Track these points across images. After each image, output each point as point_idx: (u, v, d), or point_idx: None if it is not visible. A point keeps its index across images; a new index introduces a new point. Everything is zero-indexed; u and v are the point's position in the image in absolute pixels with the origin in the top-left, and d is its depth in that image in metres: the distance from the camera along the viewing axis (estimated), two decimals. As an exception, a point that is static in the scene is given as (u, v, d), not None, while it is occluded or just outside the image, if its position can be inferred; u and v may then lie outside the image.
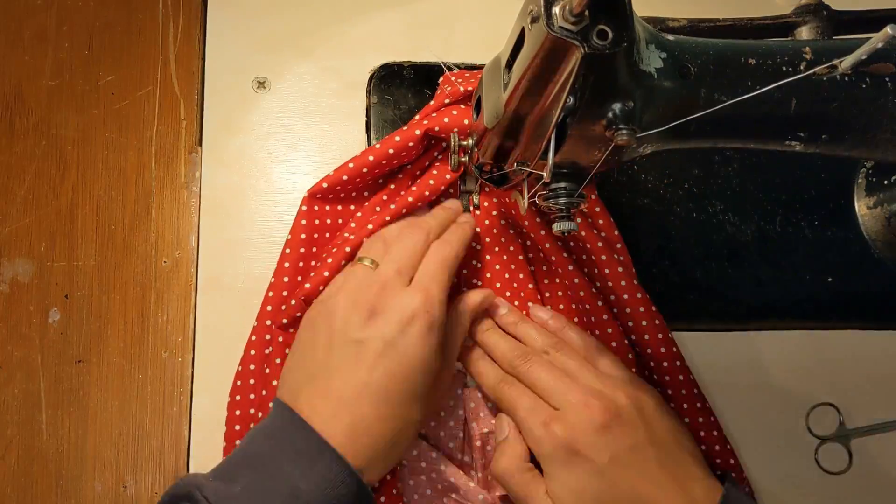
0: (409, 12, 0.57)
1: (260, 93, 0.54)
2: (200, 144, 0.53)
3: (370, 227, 0.48)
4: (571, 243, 0.51)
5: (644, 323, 0.48)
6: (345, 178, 0.48)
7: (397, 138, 0.48)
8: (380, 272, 0.44)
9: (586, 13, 0.31)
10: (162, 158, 0.52)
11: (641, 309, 0.48)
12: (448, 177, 0.50)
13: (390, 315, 0.42)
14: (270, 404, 0.43)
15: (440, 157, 0.51)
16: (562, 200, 0.40)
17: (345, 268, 0.47)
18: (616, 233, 0.51)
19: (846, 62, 0.35)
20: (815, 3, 0.44)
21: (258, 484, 0.37)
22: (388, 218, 0.48)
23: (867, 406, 0.53)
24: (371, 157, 0.48)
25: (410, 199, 0.49)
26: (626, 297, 0.48)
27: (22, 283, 0.49)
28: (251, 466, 0.38)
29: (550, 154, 0.37)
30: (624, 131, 0.34)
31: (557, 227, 0.41)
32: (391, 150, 0.48)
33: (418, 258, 0.45)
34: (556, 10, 0.31)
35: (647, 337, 0.48)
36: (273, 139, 0.54)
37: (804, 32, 0.44)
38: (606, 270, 0.49)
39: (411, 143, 0.48)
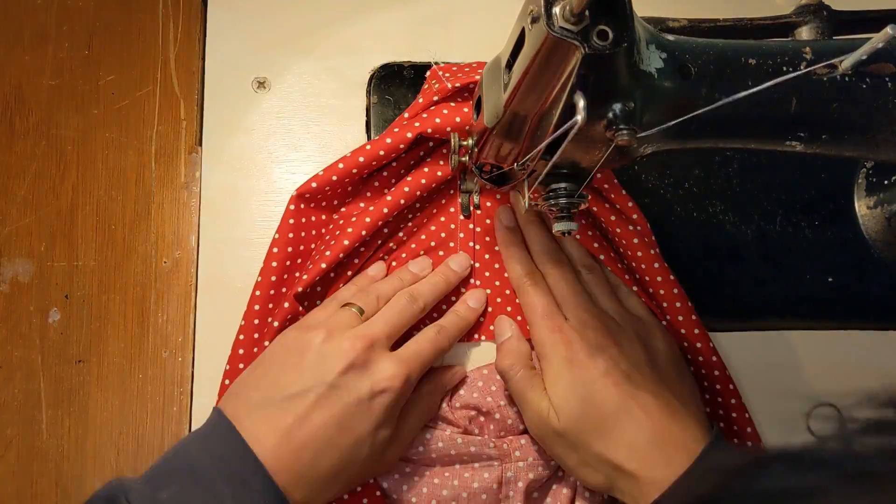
0: (409, 12, 0.57)
1: (260, 93, 0.54)
2: (200, 144, 0.53)
3: (368, 220, 0.47)
4: (584, 220, 0.51)
5: (662, 292, 0.49)
6: (334, 178, 0.48)
7: (388, 140, 0.48)
8: (370, 328, 0.44)
9: (586, 13, 0.31)
10: (162, 158, 0.52)
11: (659, 279, 0.49)
12: (440, 174, 0.50)
13: (366, 376, 0.42)
14: (213, 410, 0.43)
15: (428, 157, 0.51)
16: (562, 201, 0.40)
17: (329, 304, 0.47)
18: (630, 204, 0.51)
19: (846, 62, 0.35)
20: (815, 4, 0.44)
21: (185, 496, 0.37)
22: (385, 210, 0.48)
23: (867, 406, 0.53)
24: (361, 159, 0.48)
25: (407, 189, 0.49)
26: (643, 266, 0.49)
27: (22, 283, 0.49)
28: (182, 476, 0.38)
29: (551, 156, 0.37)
30: (624, 131, 0.33)
31: (558, 227, 0.41)
32: (382, 152, 0.48)
33: (406, 327, 0.46)
34: (556, 10, 0.31)
35: (665, 304, 0.49)
36: (273, 139, 0.54)
37: (804, 32, 0.44)
38: (624, 242, 0.49)
39: (402, 146, 0.48)
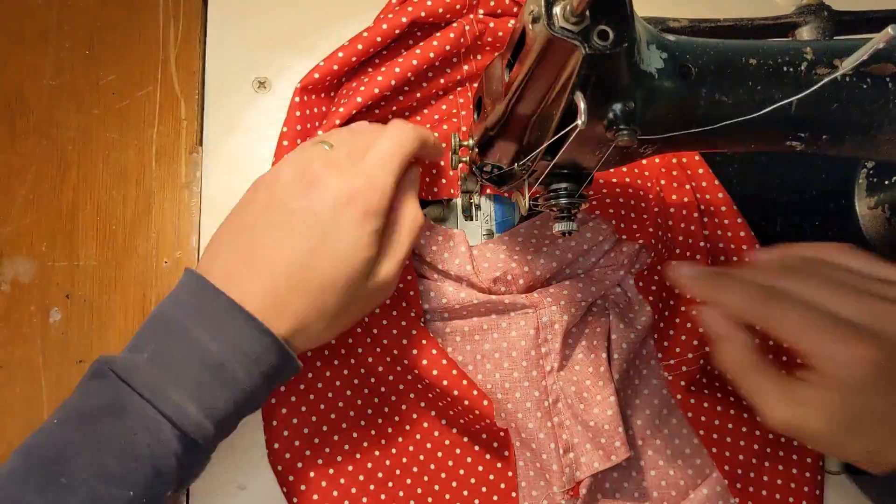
0: (409, 12, 0.57)
1: (260, 93, 0.54)
2: (201, 144, 0.53)
3: (380, 78, 0.48)
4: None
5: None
6: (335, 67, 0.49)
7: (384, 25, 0.49)
8: (332, 152, 0.42)
9: (587, 13, 0.31)
10: (163, 158, 0.53)
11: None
12: (448, 48, 0.50)
13: (326, 192, 0.39)
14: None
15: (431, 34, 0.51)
16: (562, 201, 0.41)
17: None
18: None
19: (847, 62, 0.35)
20: (815, 4, 0.44)
21: (164, 349, 0.37)
22: (397, 70, 0.48)
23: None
24: (360, 46, 0.49)
25: (415, 61, 0.49)
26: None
27: (23, 283, 0.49)
28: (157, 334, 0.37)
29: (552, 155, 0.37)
30: (625, 132, 0.34)
31: (558, 227, 0.41)
32: (379, 38, 0.49)
33: None
34: (556, 10, 0.31)
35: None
36: (273, 139, 0.53)
37: (805, 33, 0.44)
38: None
39: (398, 31, 0.49)
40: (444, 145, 0.49)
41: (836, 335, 0.35)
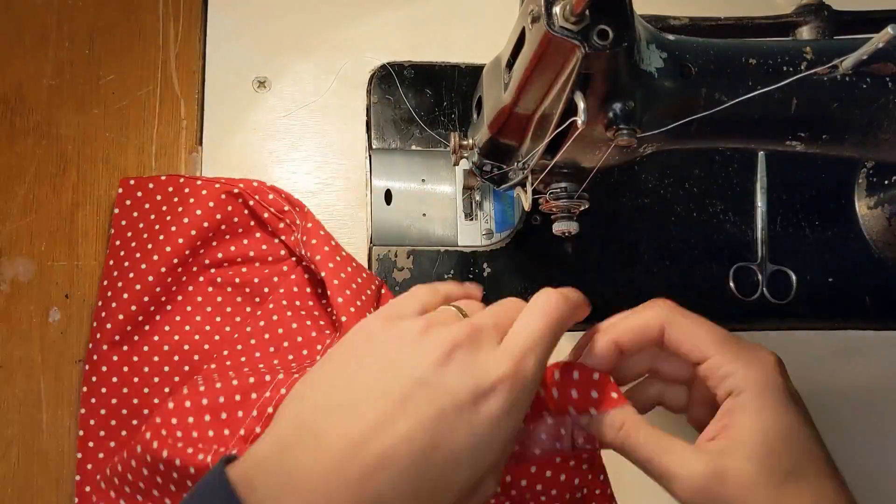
0: (409, 12, 0.57)
1: (260, 93, 0.54)
2: (201, 144, 0.53)
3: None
4: None
5: None
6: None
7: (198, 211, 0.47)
8: (475, 318, 0.34)
9: (587, 13, 0.31)
10: (162, 158, 0.52)
11: None
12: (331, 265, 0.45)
13: (467, 373, 0.30)
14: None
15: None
16: (562, 201, 0.41)
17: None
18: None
19: (847, 62, 0.35)
20: (815, 3, 0.44)
21: None
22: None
23: (867, 406, 0.53)
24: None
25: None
26: None
27: (22, 283, 0.49)
28: None
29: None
30: (625, 131, 0.34)
31: (558, 226, 0.41)
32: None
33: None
34: (556, 9, 0.31)
35: None
36: (273, 139, 0.54)
37: (805, 32, 0.44)
38: None
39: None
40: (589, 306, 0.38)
41: (742, 343, 0.35)
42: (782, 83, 0.35)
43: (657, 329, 0.36)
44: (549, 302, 0.34)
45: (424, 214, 0.53)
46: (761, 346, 0.36)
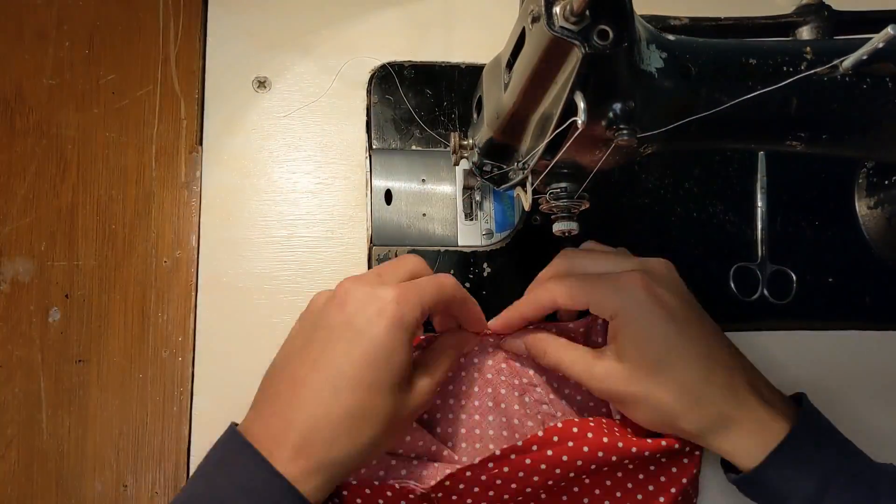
0: (409, 12, 0.57)
1: (260, 92, 0.54)
2: (201, 144, 0.53)
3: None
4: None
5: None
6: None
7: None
8: (362, 275, 0.43)
9: (587, 13, 0.31)
10: (162, 158, 0.52)
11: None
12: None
13: (358, 303, 0.40)
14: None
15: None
16: (562, 201, 0.41)
17: None
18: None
19: (847, 62, 0.35)
20: (815, 3, 0.44)
21: None
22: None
23: (867, 406, 0.53)
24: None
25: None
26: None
27: (22, 283, 0.49)
28: None
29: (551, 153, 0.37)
30: (625, 131, 0.34)
31: (558, 226, 0.41)
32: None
33: (424, 305, 0.42)
34: (556, 9, 0.31)
35: None
36: (273, 139, 0.54)
37: (805, 32, 0.44)
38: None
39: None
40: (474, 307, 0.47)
41: (608, 278, 0.44)
42: (782, 83, 0.35)
43: (552, 306, 0.47)
44: (440, 279, 0.44)
45: (424, 214, 0.53)
46: (631, 270, 0.45)
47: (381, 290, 0.40)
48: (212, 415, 0.48)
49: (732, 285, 0.53)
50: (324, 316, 0.41)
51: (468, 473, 0.43)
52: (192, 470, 0.47)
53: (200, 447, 0.48)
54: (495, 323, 0.48)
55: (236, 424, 0.40)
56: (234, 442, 0.39)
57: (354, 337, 0.39)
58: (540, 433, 0.44)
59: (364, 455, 0.39)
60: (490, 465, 0.43)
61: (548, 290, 0.46)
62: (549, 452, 0.43)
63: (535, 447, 0.44)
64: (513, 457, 0.43)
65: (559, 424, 0.45)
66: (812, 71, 0.36)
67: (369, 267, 0.51)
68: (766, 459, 0.42)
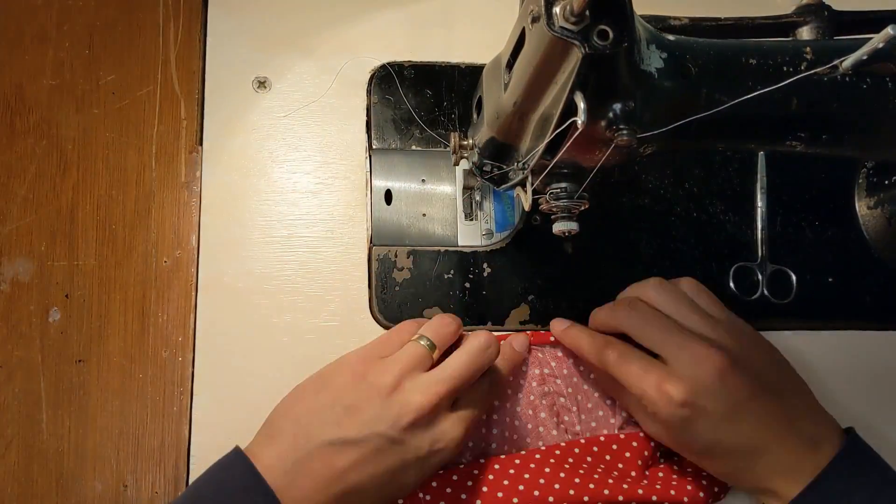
0: (409, 12, 0.57)
1: (260, 92, 0.54)
2: (201, 144, 0.53)
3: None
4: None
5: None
6: None
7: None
8: (441, 384, 0.42)
9: (587, 13, 0.31)
10: (162, 158, 0.52)
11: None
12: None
13: (429, 435, 0.41)
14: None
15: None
16: (563, 201, 0.41)
17: (400, 331, 0.46)
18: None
19: (847, 62, 0.35)
20: (815, 4, 0.44)
21: None
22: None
23: (867, 406, 0.53)
24: None
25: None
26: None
27: (22, 283, 0.49)
28: None
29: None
30: (625, 131, 0.34)
31: (558, 227, 0.41)
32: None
33: (473, 379, 0.44)
34: (556, 10, 0.31)
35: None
36: (273, 139, 0.54)
37: (805, 32, 0.44)
38: None
39: None
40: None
41: (688, 338, 0.43)
42: (782, 84, 0.35)
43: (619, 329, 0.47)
44: (487, 391, 0.46)
45: (424, 214, 0.53)
46: (709, 346, 0.43)
47: (451, 428, 0.42)
48: (212, 415, 0.48)
49: (732, 285, 0.53)
50: (390, 422, 0.41)
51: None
52: (192, 471, 0.47)
53: (200, 447, 0.48)
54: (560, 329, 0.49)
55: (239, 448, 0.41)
56: (242, 472, 0.39)
57: (408, 464, 0.41)
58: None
59: None
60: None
61: (623, 321, 0.46)
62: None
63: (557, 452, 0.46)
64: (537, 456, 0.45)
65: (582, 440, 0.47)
66: (812, 71, 0.36)
67: (369, 266, 0.51)
68: (804, 489, 0.42)
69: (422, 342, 0.44)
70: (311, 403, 0.42)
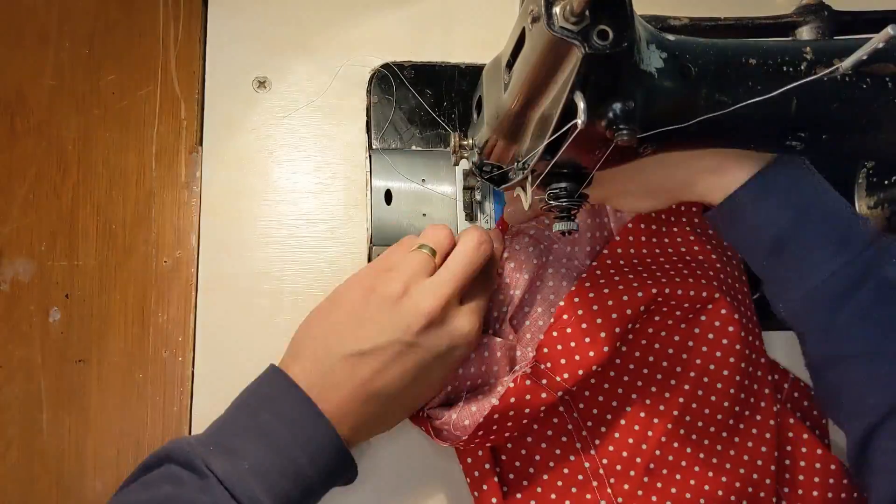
0: (409, 12, 0.57)
1: (260, 93, 0.54)
2: (201, 144, 0.53)
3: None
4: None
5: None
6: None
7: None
8: (445, 285, 0.44)
9: (587, 13, 0.31)
10: (162, 158, 0.53)
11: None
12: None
13: (444, 333, 0.43)
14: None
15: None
16: (562, 201, 0.40)
17: (399, 245, 0.47)
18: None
19: (847, 62, 0.35)
20: (815, 3, 0.44)
21: (266, 464, 0.39)
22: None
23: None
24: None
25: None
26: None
27: (22, 283, 0.49)
28: (258, 443, 0.40)
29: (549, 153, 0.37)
30: (624, 131, 0.33)
31: (558, 227, 0.41)
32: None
33: (475, 274, 0.46)
34: (556, 10, 0.31)
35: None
36: (273, 139, 0.54)
37: (805, 32, 0.44)
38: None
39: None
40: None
41: None
42: (785, 88, 0.35)
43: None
44: (488, 282, 0.48)
45: (424, 214, 0.53)
46: None
47: (465, 323, 0.44)
48: (212, 415, 0.48)
49: (732, 285, 0.53)
50: (403, 328, 0.42)
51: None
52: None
53: (200, 447, 0.48)
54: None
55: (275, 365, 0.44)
56: (278, 381, 0.42)
57: (428, 362, 0.43)
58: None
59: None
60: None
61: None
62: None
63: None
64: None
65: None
66: (814, 77, 0.36)
67: (369, 267, 0.51)
68: (738, 188, 0.41)
69: (423, 250, 0.46)
70: (327, 321, 0.44)
